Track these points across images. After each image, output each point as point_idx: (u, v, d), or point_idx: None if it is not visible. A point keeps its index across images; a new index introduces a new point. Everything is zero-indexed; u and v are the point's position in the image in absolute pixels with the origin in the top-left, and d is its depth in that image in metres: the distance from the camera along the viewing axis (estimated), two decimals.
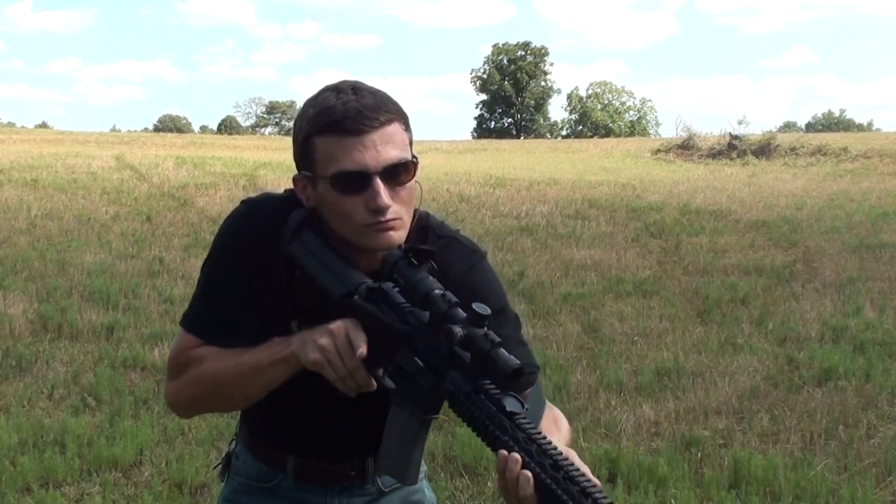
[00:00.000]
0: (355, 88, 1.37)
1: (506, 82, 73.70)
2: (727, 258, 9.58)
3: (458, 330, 1.24)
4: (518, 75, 73.76)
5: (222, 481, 1.69)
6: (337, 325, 1.35)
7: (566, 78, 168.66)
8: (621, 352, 6.00)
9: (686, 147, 26.58)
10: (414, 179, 1.40)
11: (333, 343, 1.34)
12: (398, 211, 1.37)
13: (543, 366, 5.50)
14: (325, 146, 1.35)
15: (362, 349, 1.33)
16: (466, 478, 3.95)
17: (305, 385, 1.46)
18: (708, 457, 4.19)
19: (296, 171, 1.44)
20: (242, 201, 1.52)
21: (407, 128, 1.41)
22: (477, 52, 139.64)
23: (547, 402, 1.48)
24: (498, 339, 1.23)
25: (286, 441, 1.57)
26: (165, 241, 9.97)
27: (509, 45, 75.29)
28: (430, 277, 1.32)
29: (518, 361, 1.21)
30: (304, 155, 1.40)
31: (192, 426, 4.44)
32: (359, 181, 1.34)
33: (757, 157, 23.90)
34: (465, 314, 1.26)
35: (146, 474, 3.93)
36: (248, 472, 1.63)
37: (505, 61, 74.90)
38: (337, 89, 1.38)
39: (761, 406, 4.90)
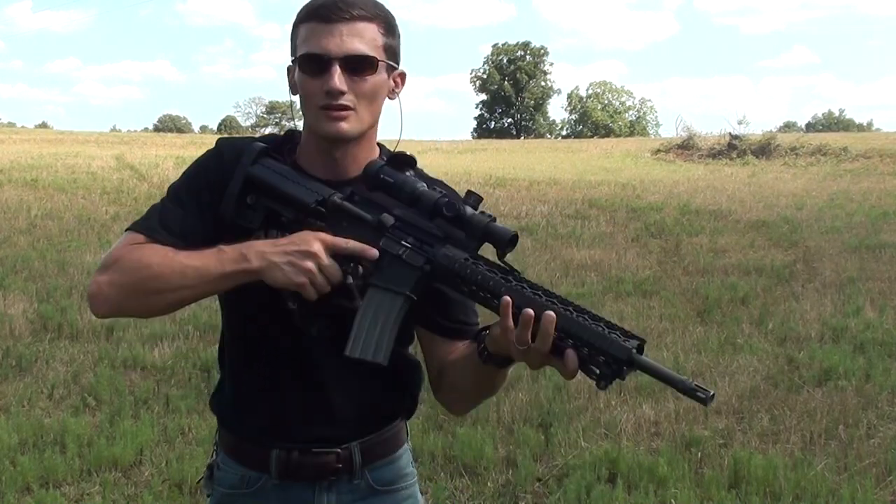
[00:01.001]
0: None
1: (506, 82, 73.69)
2: (727, 258, 9.58)
3: (464, 207, 1.32)
4: (518, 75, 73.75)
5: (208, 495, 1.61)
6: (316, 246, 1.35)
7: (566, 78, 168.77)
8: None
9: (686, 147, 26.55)
10: (382, 79, 1.45)
11: (317, 264, 1.35)
12: (352, 101, 1.42)
13: None
14: (303, 32, 1.44)
15: (359, 249, 1.37)
16: (466, 478, 3.95)
17: (280, 356, 1.49)
18: (708, 457, 4.19)
19: None
20: (218, 139, 1.57)
21: (387, 34, 1.46)
22: (477, 52, 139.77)
23: None
24: (493, 215, 1.34)
25: (266, 424, 1.51)
26: None
27: (509, 45, 75.27)
28: (414, 177, 1.39)
29: (515, 229, 1.34)
30: (291, 42, 1.48)
31: (192, 426, 4.45)
32: (319, 64, 1.41)
33: (757, 157, 23.88)
34: (455, 202, 1.34)
35: (146, 474, 3.93)
36: (231, 481, 1.55)
37: (505, 61, 74.88)
38: None
39: (761, 406, 4.90)
